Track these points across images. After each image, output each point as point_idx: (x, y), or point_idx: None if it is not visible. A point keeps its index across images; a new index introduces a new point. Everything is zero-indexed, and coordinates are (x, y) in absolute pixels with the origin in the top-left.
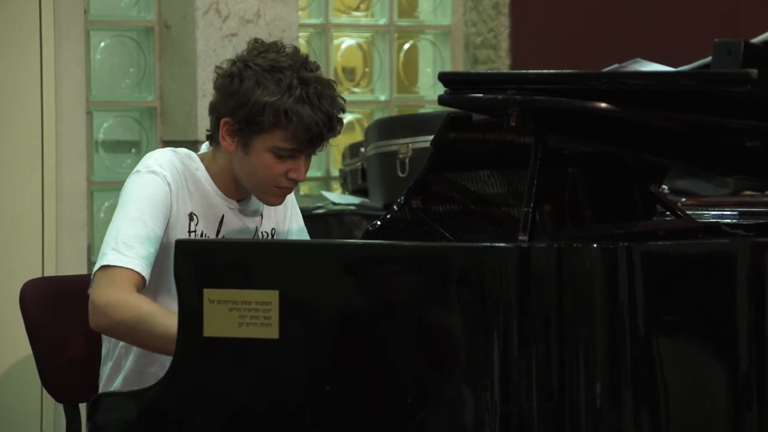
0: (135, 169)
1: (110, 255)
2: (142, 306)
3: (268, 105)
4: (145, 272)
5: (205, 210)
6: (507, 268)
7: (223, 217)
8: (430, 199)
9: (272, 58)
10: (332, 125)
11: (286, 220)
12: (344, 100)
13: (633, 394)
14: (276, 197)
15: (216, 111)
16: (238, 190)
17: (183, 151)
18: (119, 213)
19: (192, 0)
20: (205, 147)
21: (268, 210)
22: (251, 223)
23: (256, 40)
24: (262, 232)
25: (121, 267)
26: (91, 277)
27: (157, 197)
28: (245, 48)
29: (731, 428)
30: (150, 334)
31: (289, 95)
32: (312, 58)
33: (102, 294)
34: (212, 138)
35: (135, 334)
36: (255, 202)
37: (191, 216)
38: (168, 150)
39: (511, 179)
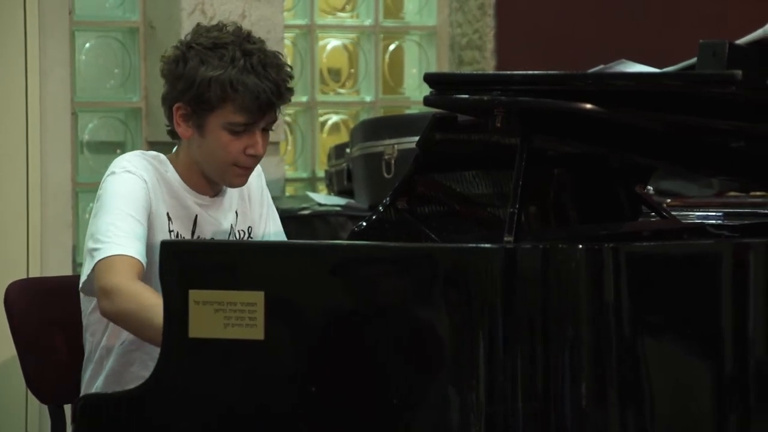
0: (109, 171)
1: (106, 247)
2: (144, 294)
3: (213, 80)
4: (143, 259)
5: (178, 211)
6: (492, 269)
7: (196, 217)
8: (415, 200)
9: (214, 36)
10: (280, 92)
11: (263, 220)
12: (291, 68)
13: (618, 395)
14: (238, 177)
15: (168, 99)
16: (209, 184)
17: (151, 153)
18: (104, 211)
19: (177, 1)
20: None
21: (243, 208)
22: (225, 221)
23: (198, 25)
24: (238, 231)
25: (120, 255)
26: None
27: (137, 194)
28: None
29: (716, 428)
30: (151, 324)
31: (233, 67)
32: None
33: (108, 281)
34: (172, 132)
35: (135, 322)
36: (228, 199)
37: (167, 216)
38: (137, 152)
39: (496, 180)
